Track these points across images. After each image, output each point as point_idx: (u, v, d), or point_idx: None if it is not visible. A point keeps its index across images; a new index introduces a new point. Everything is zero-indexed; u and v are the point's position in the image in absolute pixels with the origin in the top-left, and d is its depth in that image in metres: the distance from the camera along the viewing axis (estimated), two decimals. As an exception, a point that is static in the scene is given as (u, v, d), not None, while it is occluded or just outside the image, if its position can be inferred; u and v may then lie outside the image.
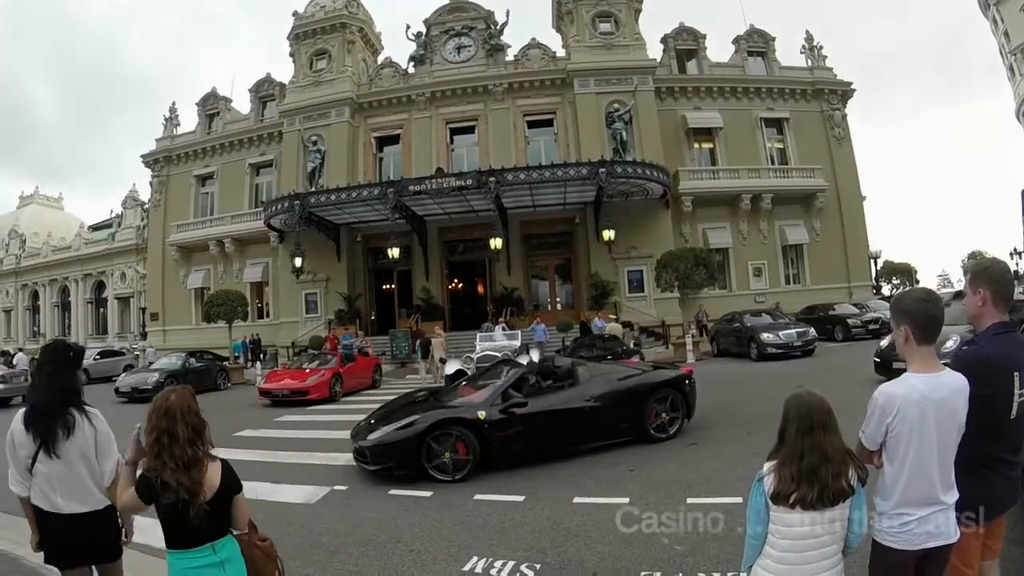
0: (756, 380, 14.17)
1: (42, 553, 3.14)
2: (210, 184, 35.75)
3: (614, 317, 22.96)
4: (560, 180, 24.24)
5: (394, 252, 26.00)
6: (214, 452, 2.68)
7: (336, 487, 7.06)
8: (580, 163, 24.93)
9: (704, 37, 32.89)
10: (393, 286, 31.04)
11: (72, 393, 3.13)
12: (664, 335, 24.72)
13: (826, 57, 33.46)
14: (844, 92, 32.94)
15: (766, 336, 18.26)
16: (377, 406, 9.52)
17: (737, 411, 10.06)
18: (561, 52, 31.67)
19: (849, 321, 21.90)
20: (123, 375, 21.37)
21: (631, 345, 19.56)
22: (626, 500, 5.54)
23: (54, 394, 3.08)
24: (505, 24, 31.66)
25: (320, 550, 5.15)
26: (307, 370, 16.57)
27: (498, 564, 4.58)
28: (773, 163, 31.60)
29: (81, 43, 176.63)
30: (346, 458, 7.86)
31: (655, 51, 31.60)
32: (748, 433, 8.04)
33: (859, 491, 2.35)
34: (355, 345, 21.35)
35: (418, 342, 21.67)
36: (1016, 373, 2.50)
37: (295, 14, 33.13)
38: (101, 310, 43.37)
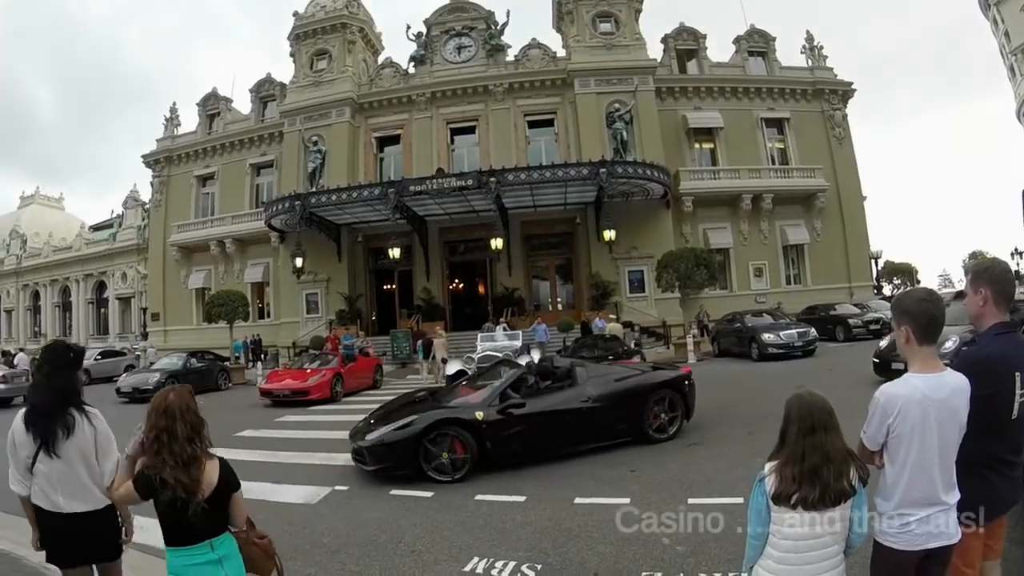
0: (757, 380, 14.17)
1: (43, 552, 3.15)
2: (211, 184, 35.77)
3: (614, 317, 22.96)
4: (561, 180, 24.24)
5: (395, 252, 26.04)
6: (213, 451, 2.70)
7: (337, 487, 7.06)
8: (581, 163, 24.92)
9: (704, 37, 32.88)
10: (394, 286, 31.06)
11: (72, 393, 3.15)
12: (665, 335, 24.72)
13: (827, 57, 33.46)
14: (845, 92, 32.93)
15: (767, 336, 18.25)
16: (378, 406, 9.52)
17: (738, 411, 10.05)
18: (561, 52, 31.68)
19: (850, 321, 21.90)
20: (124, 375, 21.39)
21: (632, 345, 19.56)
22: (627, 500, 5.54)
23: (54, 394, 3.09)
24: (505, 24, 31.69)
25: (321, 550, 5.15)
26: (308, 370, 16.57)
27: (499, 564, 4.57)
28: (774, 163, 31.59)
29: (81, 43, 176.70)
30: (347, 458, 7.86)
31: (655, 51, 31.63)
32: (749, 433, 8.04)
33: (860, 491, 2.35)
34: (356, 345, 21.36)
35: (420, 342, 21.67)
36: (1017, 373, 2.49)
37: (295, 14, 33.14)
38: (102, 310, 43.40)
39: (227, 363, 23.41)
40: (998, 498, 2.54)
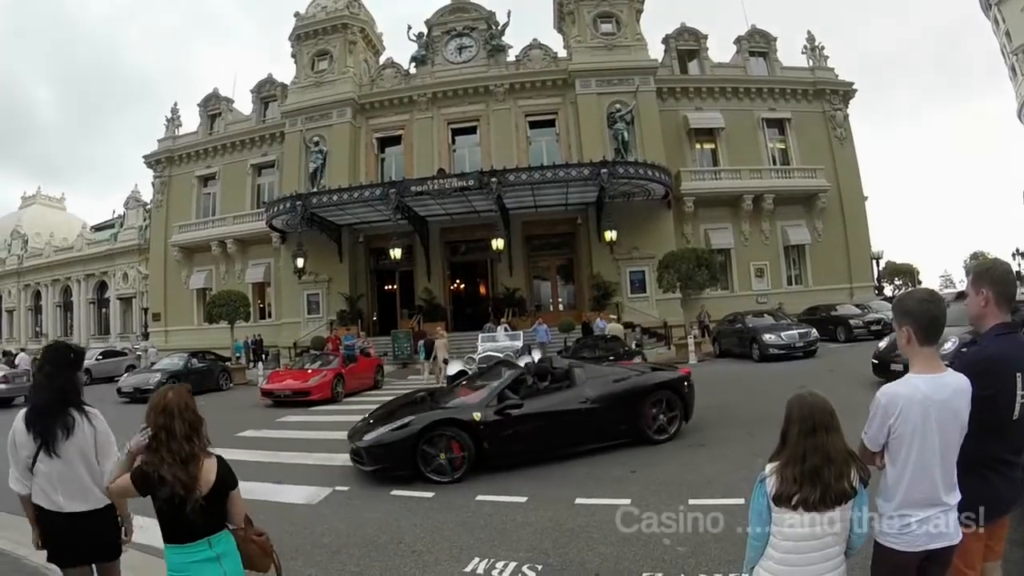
0: (758, 381, 14.15)
1: (44, 552, 3.18)
2: (212, 185, 35.80)
3: (615, 318, 22.96)
4: (562, 181, 24.24)
5: (396, 253, 26.06)
6: (211, 449, 2.73)
7: (338, 488, 7.07)
8: (582, 164, 24.92)
9: (705, 37, 32.85)
10: (395, 287, 31.08)
11: (72, 393, 3.17)
12: (666, 336, 24.71)
13: (827, 57, 33.45)
14: (846, 92, 32.92)
15: (768, 337, 18.24)
16: (376, 407, 9.54)
17: (739, 412, 10.05)
18: (562, 52, 31.70)
19: (851, 322, 21.88)
20: (125, 375, 21.43)
21: (633, 346, 19.56)
22: (628, 501, 5.53)
23: (54, 394, 3.11)
24: (506, 25, 31.70)
25: (322, 550, 5.15)
26: (309, 371, 16.57)
27: (500, 565, 4.58)
28: (775, 163, 31.55)
29: (81, 43, 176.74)
30: (348, 459, 7.86)
31: (656, 51, 31.63)
32: (750, 434, 8.03)
33: (861, 492, 2.35)
34: (357, 346, 21.37)
35: (421, 343, 21.68)
36: (1019, 374, 2.49)
37: (297, 15, 33.18)
38: (103, 310, 43.43)
39: (228, 363, 23.42)
40: (999, 498, 2.54)
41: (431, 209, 26.97)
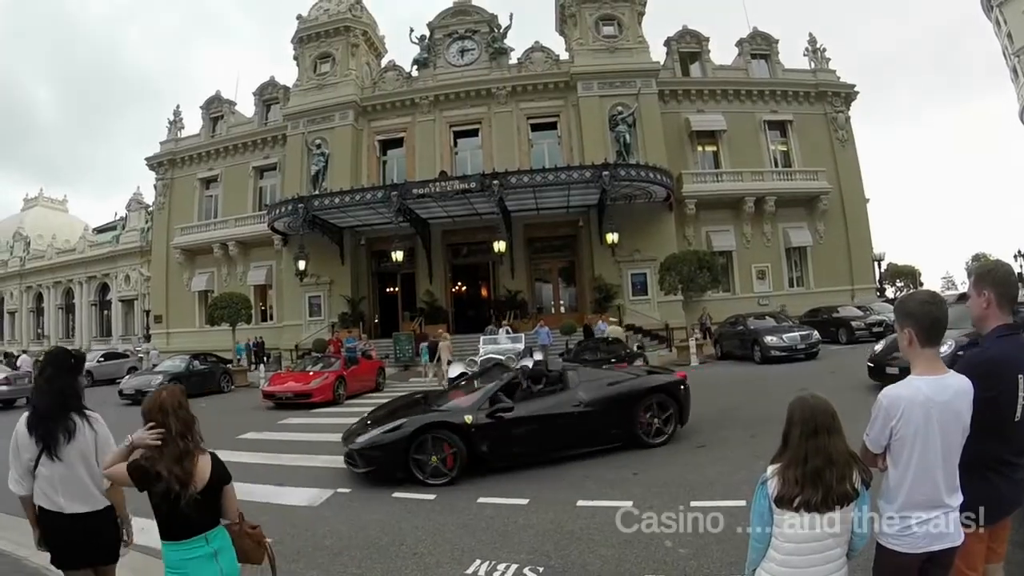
0: (759, 383, 14.13)
1: (45, 553, 3.23)
2: (214, 187, 35.86)
3: (615, 320, 22.94)
4: (564, 183, 24.27)
5: (398, 255, 26.06)
6: (209, 449, 2.82)
7: (340, 490, 7.07)
8: (584, 166, 24.91)
9: (707, 40, 32.89)
10: (397, 289, 31.10)
11: (72, 397, 3.22)
12: (668, 338, 24.69)
13: (829, 59, 33.46)
14: (847, 94, 32.93)
15: (769, 339, 18.21)
16: (371, 409, 9.55)
17: (741, 414, 10.03)
18: (564, 55, 31.74)
19: (853, 324, 21.82)
20: (127, 377, 21.49)
21: (635, 348, 19.54)
22: (630, 503, 5.50)
23: (54, 398, 3.16)
24: (508, 27, 31.76)
25: (323, 552, 5.15)
26: (311, 373, 16.57)
27: (501, 567, 4.57)
28: (776, 166, 31.55)
29: (81, 43, 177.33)
30: (347, 461, 7.88)
31: (658, 54, 31.67)
32: (752, 436, 8.02)
33: (863, 494, 2.35)
34: (359, 348, 21.40)
35: (424, 345, 21.69)
36: (1020, 375, 2.49)
37: (299, 17, 33.27)
38: (105, 312, 43.54)
39: (230, 365, 23.43)
40: (1001, 500, 2.53)
41: (433, 211, 26.98)
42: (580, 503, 5.89)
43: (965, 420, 2.36)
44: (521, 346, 19.68)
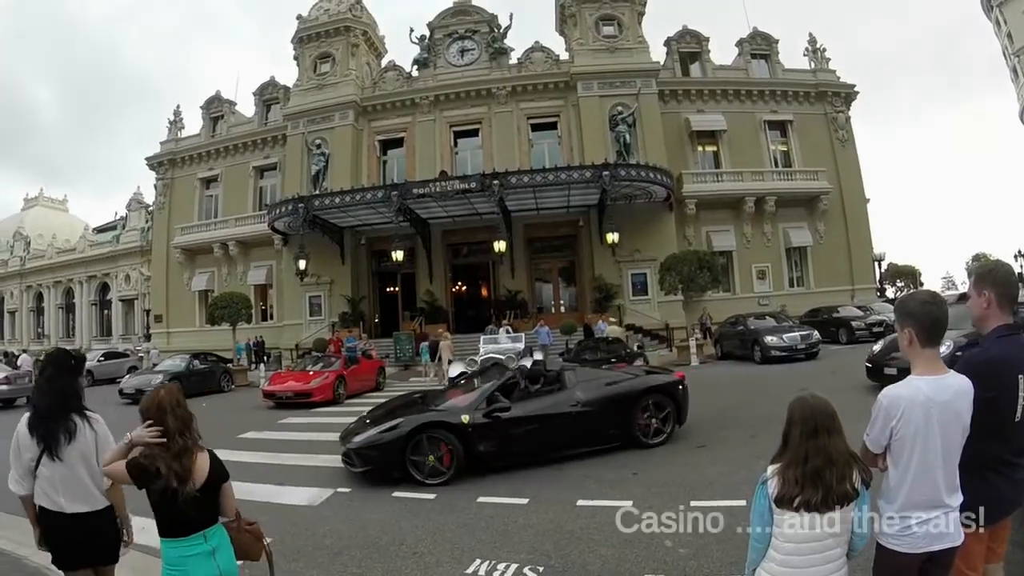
0: (760, 383, 14.13)
1: (46, 553, 3.24)
2: (214, 187, 35.86)
3: (615, 320, 22.94)
4: (564, 183, 24.27)
5: (398, 255, 26.06)
6: (208, 447, 2.85)
7: (340, 489, 7.07)
8: (584, 166, 24.91)
9: (707, 40, 32.86)
10: (397, 289, 31.10)
11: (72, 398, 3.24)
12: (668, 338, 24.69)
13: (829, 59, 33.45)
14: (847, 94, 32.92)
15: (770, 339, 18.21)
16: (369, 408, 9.56)
17: (741, 414, 10.04)
18: (564, 55, 31.72)
19: (853, 324, 21.83)
20: (127, 377, 21.49)
21: (635, 348, 19.54)
22: (630, 503, 5.50)
23: (55, 399, 3.18)
24: (508, 27, 31.75)
25: (323, 552, 5.16)
26: (311, 372, 16.58)
27: (501, 567, 4.57)
28: (777, 166, 31.53)
29: (81, 43, 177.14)
30: (346, 461, 7.88)
31: (658, 54, 31.65)
32: (752, 436, 8.02)
33: (863, 494, 2.35)
34: (359, 348, 21.39)
35: (424, 345, 21.70)
36: (1021, 376, 2.49)
37: (299, 17, 33.27)
38: (105, 312, 43.53)
39: (230, 365, 23.44)
40: (1001, 500, 2.53)
41: (433, 211, 26.99)
42: (580, 503, 5.89)
43: (965, 420, 2.36)
44: (521, 346, 19.68)
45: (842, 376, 13.32)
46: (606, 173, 23.56)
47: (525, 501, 6.09)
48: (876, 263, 35.04)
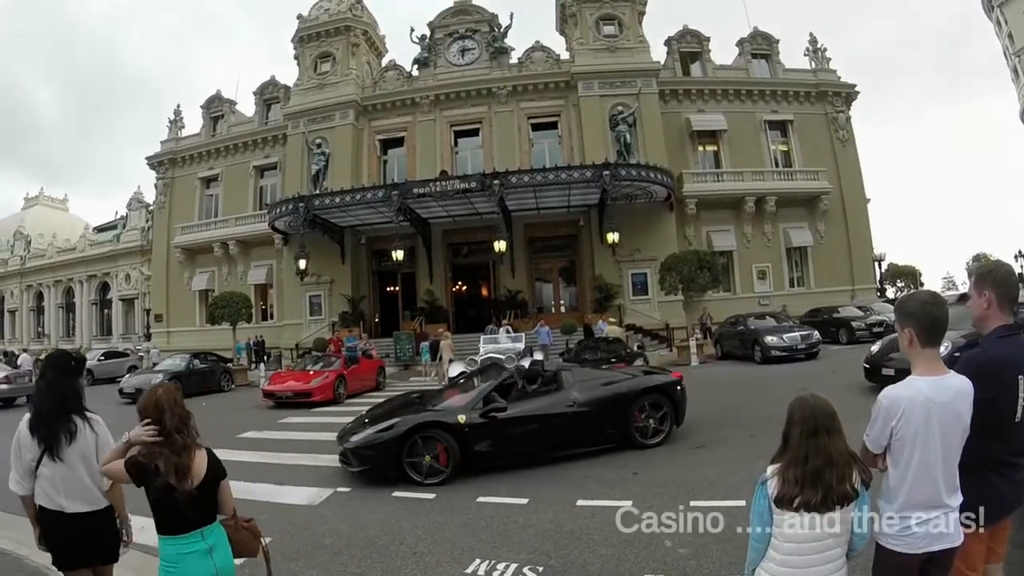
0: (760, 383, 14.13)
1: (47, 553, 3.25)
2: (214, 186, 35.87)
3: (614, 320, 22.94)
4: (564, 183, 24.27)
5: (398, 254, 26.06)
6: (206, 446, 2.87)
7: (339, 489, 7.07)
8: (584, 166, 24.91)
9: (708, 40, 32.85)
10: (397, 288, 31.10)
11: (73, 399, 3.26)
12: (668, 338, 24.69)
13: (830, 59, 33.45)
14: (848, 94, 32.92)
15: (770, 339, 18.20)
16: (367, 408, 9.56)
17: (741, 414, 10.03)
18: (565, 55, 31.71)
19: (853, 324, 21.81)
20: (127, 376, 21.48)
21: (635, 348, 19.55)
22: (629, 503, 5.49)
23: (55, 400, 3.21)
24: (509, 27, 31.74)
25: (323, 551, 5.15)
26: (311, 372, 16.57)
27: (501, 567, 4.57)
28: (777, 165, 31.55)
29: (81, 43, 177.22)
30: (345, 460, 7.88)
31: (659, 54, 31.67)
32: (752, 436, 8.02)
33: (863, 494, 2.35)
34: (359, 347, 21.39)
35: (425, 344, 21.71)
36: (1021, 376, 2.49)
37: (299, 17, 33.26)
38: (105, 311, 43.52)
39: (230, 364, 23.44)
40: (1001, 500, 2.53)
41: (433, 211, 26.99)
42: (580, 503, 5.89)
43: (965, 421, 2.36)
44: (521, 346, 19.68)
45: (842, 376, 13.31)
46: (606, 173, 23.56)
47: (525, 501, 6.08)
48: (876, 263, 35.06)
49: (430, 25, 32.40)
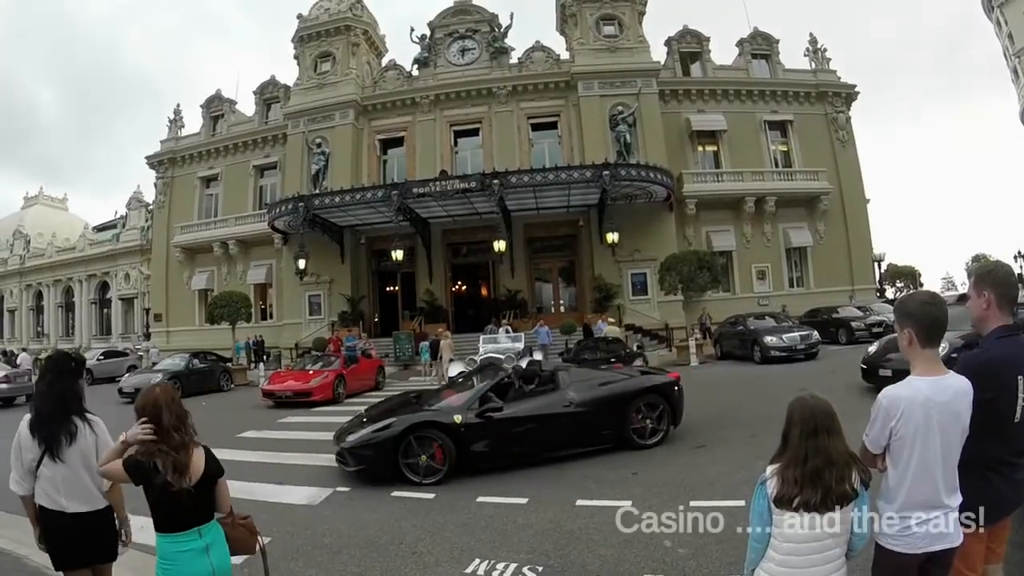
0: (759, 383, 14.12)
1: (47, 554, 3.26)
2: (214, 186, 35.86)
3: (613, 320, 22.93)
4: (564, 183, 24.26)
5: (398, 254, 26.06)
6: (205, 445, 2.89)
7: (339, 488, 7.06)
8: (584, 166, 24.91)
9: (708, 40, 32.86)
10: (397, 288, 31.11)
11: (72, 400, 3.27)
12: (668, 338, 24.69)
13: (829, 60, 33.46)
14: (848, 95, 32.93)
15: (769, 339, 18.19)
16: (365, 408, 9.56)
17: (740, 414, 10.03)
18: (565, 55, 31.71)
19: (853, 324, 21.80)
20: (127, 375, 21.48)
21: (634, 348, 19.54)
22: (629, 503, 5.49)
23: (55, 401, 3.22)
24: (509, 27, 31.75)
25: (323, 551, 5.15)
26: (311, 372, 16.56)
27: (500, 567, 4.57)
28: (777, 166, 31.55)
29: (81, 43, 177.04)
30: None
31: (659, 54, 31.67)
32: (751, 436, 8.02)
33: (862, 494, 2.35)
34: (358, 347, 21.38)
35: (425, 344, 21.70)
36: (1020, 377, 2.49)
37: (299, 16, 33.26)
38: (105, 311, 43.50)
39: (229, 364, 23.44)
40: (1001, 500, 2.53)
41: (433, 211, 26.99)
42: (579, 503, 5.89)
43: (965, 421, 2.36)
44: (521, 345, 19.68)
45: (841, 376, 13.31)
46: (606, 173, 23.56)
47: (524, 501, 6.08)
48: (876, 263, 35.06)
49: (430, 25, 32.40)
